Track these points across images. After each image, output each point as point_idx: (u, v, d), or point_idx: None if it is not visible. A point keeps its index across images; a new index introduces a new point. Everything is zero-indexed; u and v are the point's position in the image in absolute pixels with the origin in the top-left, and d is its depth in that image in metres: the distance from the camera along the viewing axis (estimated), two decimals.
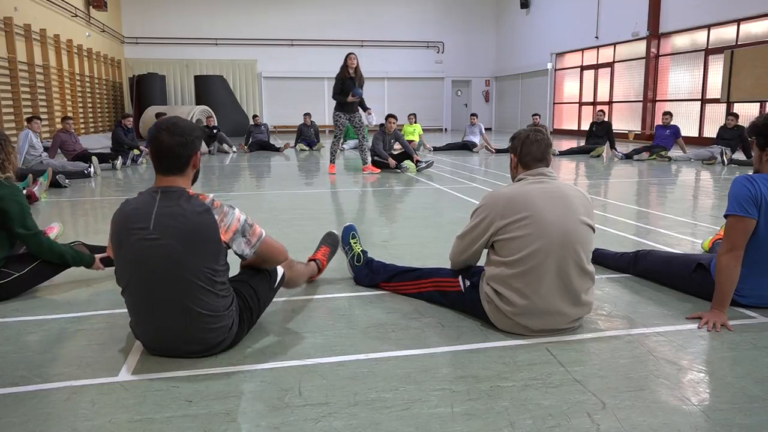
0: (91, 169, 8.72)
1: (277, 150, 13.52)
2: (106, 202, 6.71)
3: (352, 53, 8.67)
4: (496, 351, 2.36)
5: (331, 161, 9.18)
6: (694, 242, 4.27)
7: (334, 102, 8.76)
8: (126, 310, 2.35)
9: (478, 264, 2.75)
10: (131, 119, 11.43)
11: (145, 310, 2.23)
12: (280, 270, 2.70)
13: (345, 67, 8.55)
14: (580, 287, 2.46)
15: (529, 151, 2.57)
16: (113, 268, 2.38)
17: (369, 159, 9.06)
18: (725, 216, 2.62)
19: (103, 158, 9.86)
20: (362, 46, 23.55)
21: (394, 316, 2.76)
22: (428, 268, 2.96)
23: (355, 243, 3.32)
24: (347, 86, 8.55)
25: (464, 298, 2.67)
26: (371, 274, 3.15)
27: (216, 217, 2.16)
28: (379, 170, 9.06)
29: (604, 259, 3.54)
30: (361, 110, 8.83)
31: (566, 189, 2.53)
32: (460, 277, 2.70)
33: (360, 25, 23.36)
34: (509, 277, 2.43)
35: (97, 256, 3.33)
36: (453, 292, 2.73)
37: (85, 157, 9.47)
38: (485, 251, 2.61)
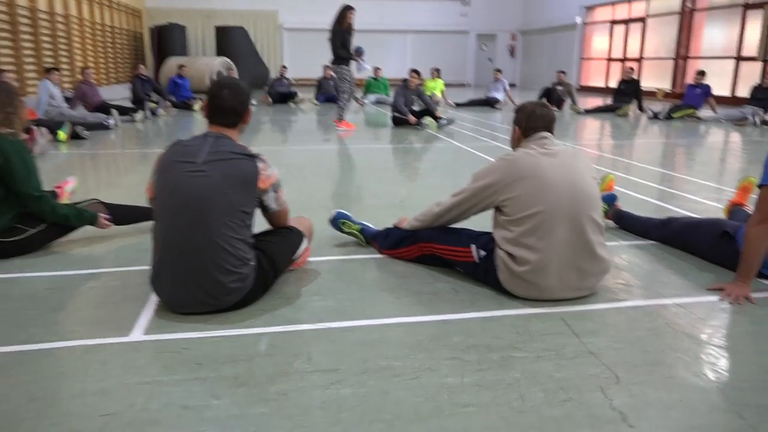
0: (111, 121, 8.72)
1: (293, 99, 13.48)
2: (127, 154, 6.72)
3: (353, 8, 8.28)
4: (510, 319, 2.32)
5: (340, 118, 8.83)
6: (719, 207, 4.14)
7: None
8: (141, 269, 2.36)
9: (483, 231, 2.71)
10: (143, 68, 11.36)
11: (171, 243, 2.27)
12: (304, 243, 2.71)
13: (344, 21, 8.22)
14: (594, 240, 2.43)
15: (533, 125, 2.57)
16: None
17: (344, 115, 8.84)
18: (759, 186, 2.50)
19: (123, 111, 9.86)
20: None
21: (408, 281, 2.73)
22: (433, 231, 2.80)
23: (348, 227, 3.25)
24: (346, 41, 8.31)
25: (478, 269, 2.61)
26: (382, 239, 3.09)
27: (259, 165, 2.35)
28: (353, 127, 8.87)
29: (632, 223, 3.46)
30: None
31: (568, 150, 2.57)
32: (473, 247, 2.62)
33: None
34: (520, 235, 2.40)
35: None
36: (465, 262, 2.66)
37: (105, 108, 9.45)
38: (486, 216, 2.58)
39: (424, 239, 2.82)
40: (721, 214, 3.88)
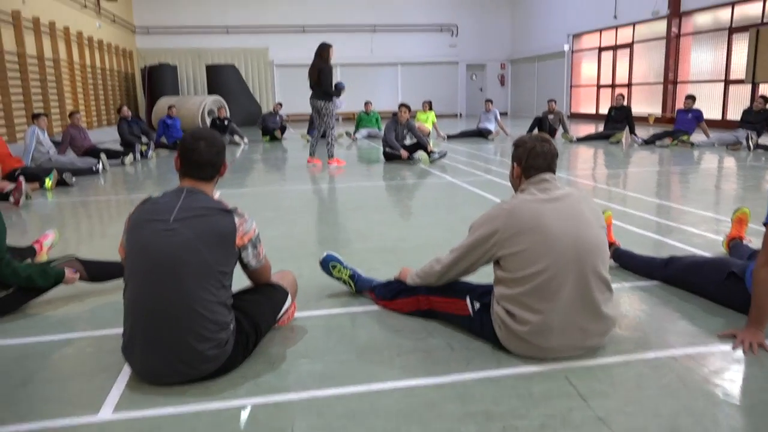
0: (100, 166, 8.61)
1: (280, 133, 13.60)
2: (114, 201, 6.59)
3: (331, 45, 8.41)
4: (510, 380, 2.16)
5: (331, 155, 8.73)
6: (709, 237, 4.01)
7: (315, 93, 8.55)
8: (117, 332, 2.20)
9: (481, 282, 2.56)
10: (126, 110, 11.32)
11: (142, 308, 2.12)
12: (288, 299, 2.57)
13: (327, 58, 8.32)
14: (600, 298, 2.26)
15: (534, 163, 2.38)
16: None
17: (334, 152, 8.81)
18: (765, 224, 2.37)
19: (113, 154, 9.76)
20: (374, 31, 23.22)
21: (401, 336, 2.57)
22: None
23: (339, 271, 3.10)
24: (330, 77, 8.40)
25: (473, 323, 2.46)
26: (381, 288, 2.94)
27: (236, 220, 2.22)
28: (344, 163, 8.85)
29: (632, 263, 3.32)
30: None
31: (572, 194, 2.36)
32: (467, 299, 2.49)
33: (372, 9, 22.96)
34: (521, 294, 2.23)
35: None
36: (460, 316, 2.52)
37: (94, 152, 9.36)
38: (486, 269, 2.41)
39: (422, 291, 2.68)
40: (720, 248, 3.76)
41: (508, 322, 2.26)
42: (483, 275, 2.60)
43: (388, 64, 23.72)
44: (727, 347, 2.39)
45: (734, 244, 3.51)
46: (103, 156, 8.87)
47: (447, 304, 2.58)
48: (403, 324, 2.70)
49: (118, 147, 10.59)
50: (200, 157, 2.25)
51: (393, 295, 2.83)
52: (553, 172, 2.40)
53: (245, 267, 2.36)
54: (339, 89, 8.53)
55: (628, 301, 2.93)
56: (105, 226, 5.35)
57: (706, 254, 3.62)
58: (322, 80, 8.34)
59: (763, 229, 2.37)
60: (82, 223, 5.46)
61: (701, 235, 4.18)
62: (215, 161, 2.30)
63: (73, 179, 7.50)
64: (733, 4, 13.80)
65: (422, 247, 4.06)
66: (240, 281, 2.45)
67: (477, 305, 2.44)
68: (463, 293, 2.52)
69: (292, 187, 7.06)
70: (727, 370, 2.22)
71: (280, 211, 5.56)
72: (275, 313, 2.50)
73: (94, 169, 8.53)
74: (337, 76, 22.13)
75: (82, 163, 8.70)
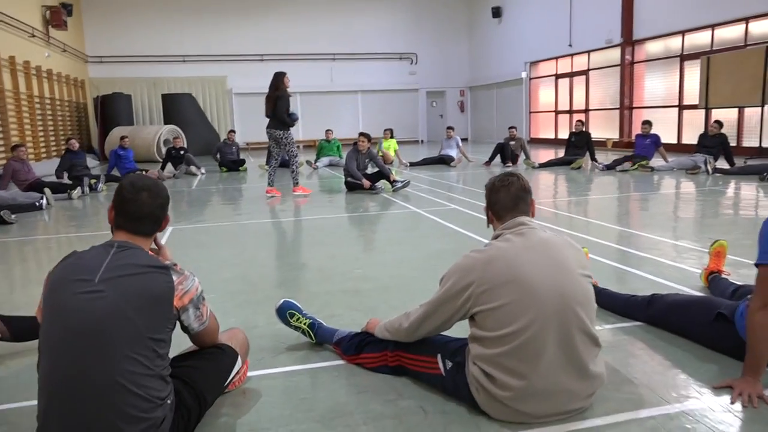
0: (44, 201, 8.11)
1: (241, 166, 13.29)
2: (54, 241, 6.14)
3: (285, 73, 8.43)
4: None
5: (296, 183, 8.68)
6: (683, 269, 3.87)
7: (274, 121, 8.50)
8: (34, 403, 1.86)
9: (454, 335, 2.31)
10: (75, 142, 10.79)
11: (59, 385, 1.77)
12: (239, 362, 2.26)
13: (283, 86, 8.29)
14: (586, 356, 2.03)
15: (497, 199, 2.18)
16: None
17: (299, 179, 8.79)
18: (756, 265, 2.21)
19: (60, 188, 9.26)
20: (334, 59, 23.18)
21: (366, 398, 2.29)
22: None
23: (297, 320, 2.82)
24: (288, 106, 8.37)
25: (446, 383, 2.21)
26: (345, 341, 2.65)
27: (174, 278, 1.92)
28: (310, 191, 8.76)
29: (611, 302, 3.11)
30: None
31: (552, 239, 2.12)
32: (438, 356, 2.23)
33: (331, 38, 22.94)
34: (500, 355, 1.98)
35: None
36: (431, 375, 2.26)
37: (39, 186, 8.86)
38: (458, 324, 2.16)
39: (391, 346, 2.41)
40: (698, 282, 3.61)
41: (487, 385, 2.00)
42: (456, 326, 2.35)
43: (348, 92, 23.67)
44: (724, 400, 2.18)
45: (714, 278, 3.36)
46: (47, 191, 8.37)
47: (416, 361, 2.32)
48: (370, 382, 2.42)
49: (65, 180, 10.06)
50: (140, 209, 1.98)
51: (358, 349, 2.55)
52: (528, 213, 2.18)
53: (186, 330, 2.06)
54: (293, 119, 8.44)
55: (611, 347, 2.71)
56: (43, 270, 4.90)
57: (690, 291, 3.46)
58: (277, 109, 8.23)
59: (754, 268, 2.20)
60: (16, 268, 5.02)
61: (674, 267, 4.04)
62: (158, 215, 2.03)
63: (13, 216, 7.01)
64: (683, 33, 14.19)
65: (387, 289, 3.79)
66: (181, 341, 2.14)
67: (449, 364, 2.19)
68: (433, 350, 2.27)
69: (250, 221, 6.73)
70: (730, 428, 2.00)
71: (236, 248, 5.24)
72: (223, 380, 2.19)
73: (37, 204, 8.03)
74: (296, 104, 22.06)
75: (25, 198, 8.22)
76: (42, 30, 16.28)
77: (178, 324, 2.00)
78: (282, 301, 2.88)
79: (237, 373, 2.28)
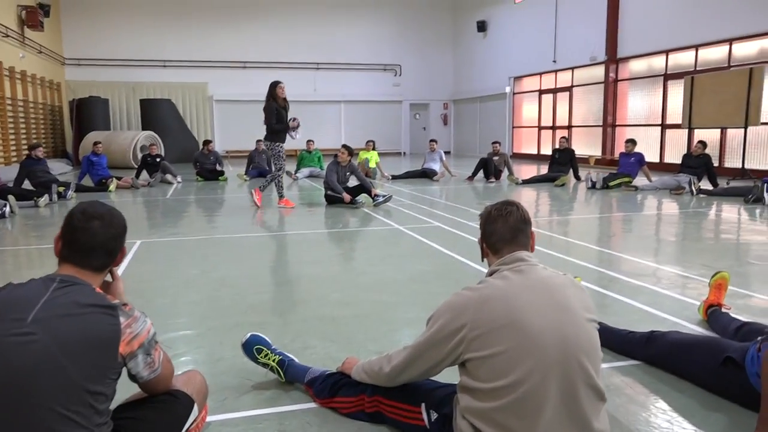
0: (7, 209, 7.72)
1: (221, 176, 12.91)
2: (12, 253, 5.78)
3: (281, 82, 8.24)
4: None
5: (280, 195, 8.50)
6: (680, 299, 3.68)
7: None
8: None
9: (442, 380, 2.07)
10: (41, 149, 10.34)
11: None
12: (195, 410, 1.99)
13: (274, 97, 8.11)
14: (590, 413, 1.78)
15: (493, 230, 1.94)
16: None
17: (283, 192, 8.59)
18: None
19: (26, 195, 8.87)
20: (318, 68, 22.98)
21: None
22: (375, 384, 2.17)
23: (265, 356, 2.55)
24: (282, 116, 8.14)
25: None
26: (318, 382, 2.39)
27: (121, 320, 1.66)
28: (293, 205, 8.51)
29: (609, 338, 2.88)
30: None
31: (554, 278, 1.88)
32: (423, 406, 1.99)
33: (315, 47, 22.74)
34: (494, 410, 1.73)
35: None
36: (413, 426, 2.01)
37: (3, 193, 8.45)
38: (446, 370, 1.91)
39: (369, 390, 2.16)
40: (696, 315, 3.41)
41: None
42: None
43: (331, 102, 23.46)
44: None
45: (713, 312, 3.17)
46: (11, 198, 7.98)
47: (397, 409, 2.07)
48: (344, 431, 2.16)
49: (29, 187, 9.64)
50: (92, 240, 1.73)
51: (332, 391, 2.29)
52: (527, 246, 1.95)
53: (134, 380, 1.78)
54: (294, 125, 8.33)
55: (610, 391, 2.48)
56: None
57: (688, 324, 3.26)
58: (266, 119, 8.11)
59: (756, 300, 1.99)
60: None
61: (670, 297, 3.84)
62: (111, 247, 1.78)
63: None
64: (667, 53, 14.23)
65: (366, 317, 3.53)
66: (129, 385, 1.86)
67: (434, 416, 1.94)
68: (417, 398, 2.02)
69: (224, 235, 6.43)
70: None
71: (205, 265, 4.94)
72: (179, 428, 1.91)
73: (0, 212, 7.64)
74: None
75: None
76: (17, 30, 15.83)
77: (125, 370, 1.73)
78: (249, 335, 2.60)
79: (194, 421, 2.01)
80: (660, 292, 3.95)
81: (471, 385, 1.79)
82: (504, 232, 1.93)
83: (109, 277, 1.90)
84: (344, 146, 8.84)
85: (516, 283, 1.81)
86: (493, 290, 1.80)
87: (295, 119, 8.36)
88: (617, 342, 2.85)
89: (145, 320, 1.74)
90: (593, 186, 10.57)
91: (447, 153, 21.06)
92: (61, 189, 9.47)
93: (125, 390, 1.86)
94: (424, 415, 1.97)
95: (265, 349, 2.57)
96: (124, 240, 1.82)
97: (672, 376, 2.58)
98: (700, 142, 10.36)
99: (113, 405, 1.83)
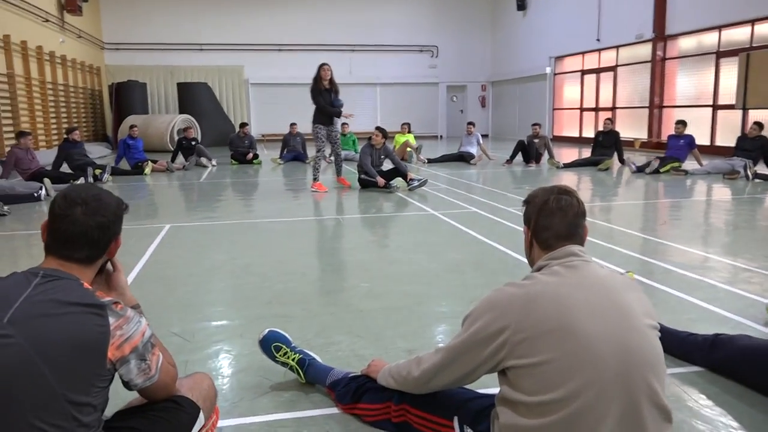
0: (42, 192, 7.75)
1: (253, 157, 12.85)
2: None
3: (326, 64, 8.14)
4: None
5: (315, 178, 8.33)
6: (743, 296, 3.33)
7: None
8: None
9: (479, 389, 1.82)
10: (77, 132, 10.34)
11: None
12: (201, 418, 1.78)
13: (319, 79, 8.03)
14: None
15: (549, 224, 1.65)
16: None
17: (341, 171, 8.76)
18: None
19: (63, 178, 8.94)
20: (353, 51, 22.68)
21: None
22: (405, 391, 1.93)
23: (284, 355, 2.35)
24: (325, 98, 8.01)
25: None
26: (341, 386, 2.18)
27: (111, 321, 1.46)
28: (326, 189, 8.29)
29: (667, 339, 2.56)
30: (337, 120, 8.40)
31: (611, 278, 1.61)
32: (455, 420, 1.74)
33: (350, 29, 22.42)
34: (540, 429, 1.47)
35: None
36: None
37: (41, 176, 8.53)
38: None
39: (396, 397, 1.93)
40: (764, 314, 3.07)
41: None
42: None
43: (367, 85, 23.14)
44: None
45: None
46: (46, 181, 8.01)
47: (426, 421, 1.83)
48: None
49: (68, 170, 9.70)
50: (72, 228, 1.52)
51: (356, 396, 2.07)
52: (582, 242, 1.67)
53: (128, 387, 1.58)
54: (328, 103, 8.14)
55: (670, 405, 2.20)
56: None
57: (755, 325, 2.93)
58: (313, 102, 8.09)
59: None
60: (2, 262, 4.62)
61: (732, 293, 3.49)
62: (95, 237, 1.55)
63: (5, 208, 6.65)
64: (720, 28, 13.45)
65: (396, 311, 3.29)
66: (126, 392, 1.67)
67: (469, 431, 1.70)
68: (448, 411, 1.78)
69: (254, 220, 6.28)
70: None
71: (233, 251, 4.79)
72: None
73: (36, 195, 7.69)
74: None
75: (24, 188, 7.88)
76: (57, 15, 15.98)
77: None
78: (266, 331, 2.40)
79: (200, 430, 1.81)
80: (720, 287, 3.60)
81: (513, 398, 1.53)
82: (561, 229, 1.64)
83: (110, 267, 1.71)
84: (378, 128, 8.58)
85: (568, 281, 1.54)
86: (542, 287, 1.54)
87: (336, 101, 8.19)
88: (677, 345, 2.55)
89: (140, 321, 1.53)
90: (639, 170, 10.06)
91: (485, 136, 20.60)
92: (98, 172, 9.51)
93: (126, 392, 1.67)
94: (457, 430, 1.73)
95: (284, 347, 2.36)
96: (117, 229, 1.61)
97: (740, 387, 2.28)
98: (756, 123, 9.72)
99: (112, 410, 1.66)
